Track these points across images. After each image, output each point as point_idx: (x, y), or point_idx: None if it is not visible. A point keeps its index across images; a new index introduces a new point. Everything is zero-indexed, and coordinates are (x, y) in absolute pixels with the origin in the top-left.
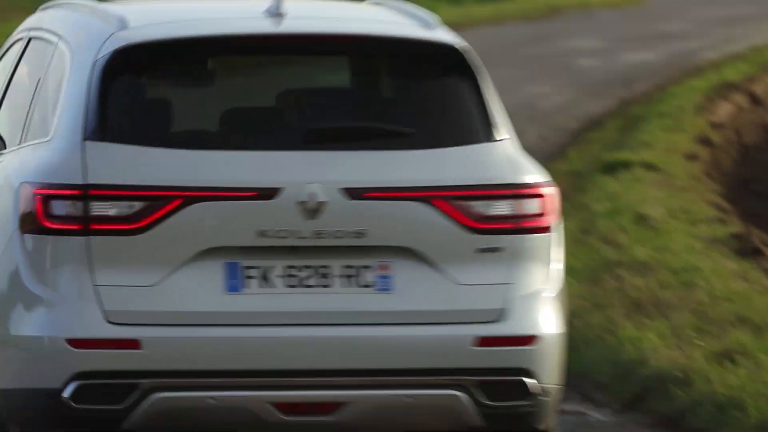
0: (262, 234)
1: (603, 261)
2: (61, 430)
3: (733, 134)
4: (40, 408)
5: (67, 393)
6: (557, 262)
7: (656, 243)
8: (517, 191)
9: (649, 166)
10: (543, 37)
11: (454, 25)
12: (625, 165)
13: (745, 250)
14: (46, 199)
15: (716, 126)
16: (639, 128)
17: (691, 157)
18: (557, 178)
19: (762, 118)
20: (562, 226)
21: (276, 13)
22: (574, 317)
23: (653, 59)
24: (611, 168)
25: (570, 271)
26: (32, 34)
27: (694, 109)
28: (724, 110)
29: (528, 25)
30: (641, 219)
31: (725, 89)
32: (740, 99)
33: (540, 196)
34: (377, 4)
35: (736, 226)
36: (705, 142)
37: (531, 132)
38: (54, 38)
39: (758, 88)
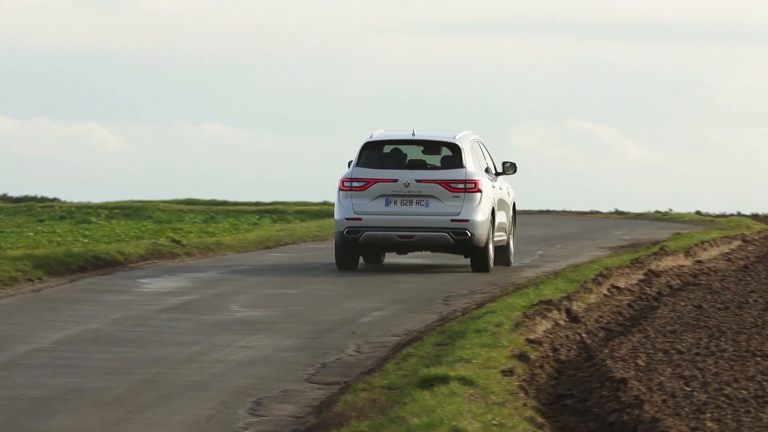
0: (393, 191)
1: None
2: (344, 244)
3: (549, 350)
4: (339, 238)
5: (345, 233)
6: (478, 200)
7: None
8: (465, 181)
9: (466, 381)
10: None
11: (233, 249)
12: (443, 380)
13: None
14: (342, 182)
15: (533, 342)
16: (457, 344)
17: (508, 372)
18: (374, 392)
19: (578, 335)
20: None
21: (413, 133)
22: None
23: None
24: (428, 382)
25: None
26: None
27: (512, 326)
28: (541, 327)
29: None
30: None
31: (543, 306)
32: (557, 316)
33: (474, 182)
34: (458, 132)
35: None
36: (522, 357)
37: (350, 347)
38: None
39: (575, 306)
